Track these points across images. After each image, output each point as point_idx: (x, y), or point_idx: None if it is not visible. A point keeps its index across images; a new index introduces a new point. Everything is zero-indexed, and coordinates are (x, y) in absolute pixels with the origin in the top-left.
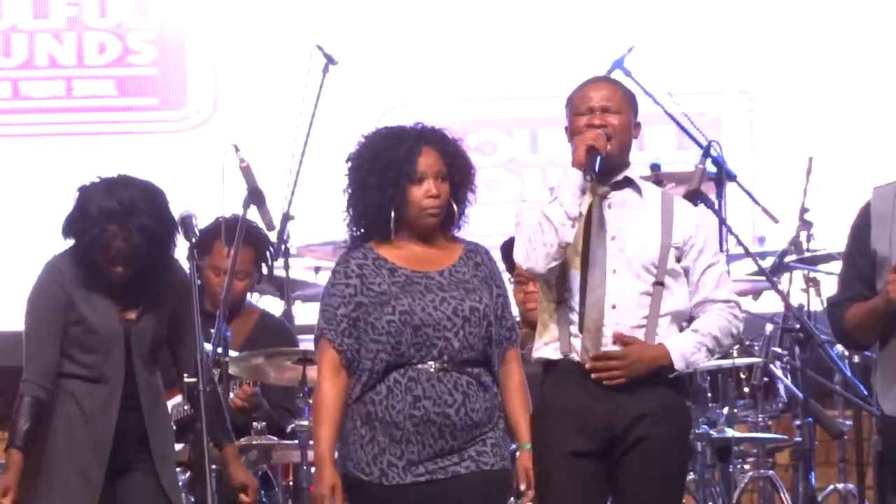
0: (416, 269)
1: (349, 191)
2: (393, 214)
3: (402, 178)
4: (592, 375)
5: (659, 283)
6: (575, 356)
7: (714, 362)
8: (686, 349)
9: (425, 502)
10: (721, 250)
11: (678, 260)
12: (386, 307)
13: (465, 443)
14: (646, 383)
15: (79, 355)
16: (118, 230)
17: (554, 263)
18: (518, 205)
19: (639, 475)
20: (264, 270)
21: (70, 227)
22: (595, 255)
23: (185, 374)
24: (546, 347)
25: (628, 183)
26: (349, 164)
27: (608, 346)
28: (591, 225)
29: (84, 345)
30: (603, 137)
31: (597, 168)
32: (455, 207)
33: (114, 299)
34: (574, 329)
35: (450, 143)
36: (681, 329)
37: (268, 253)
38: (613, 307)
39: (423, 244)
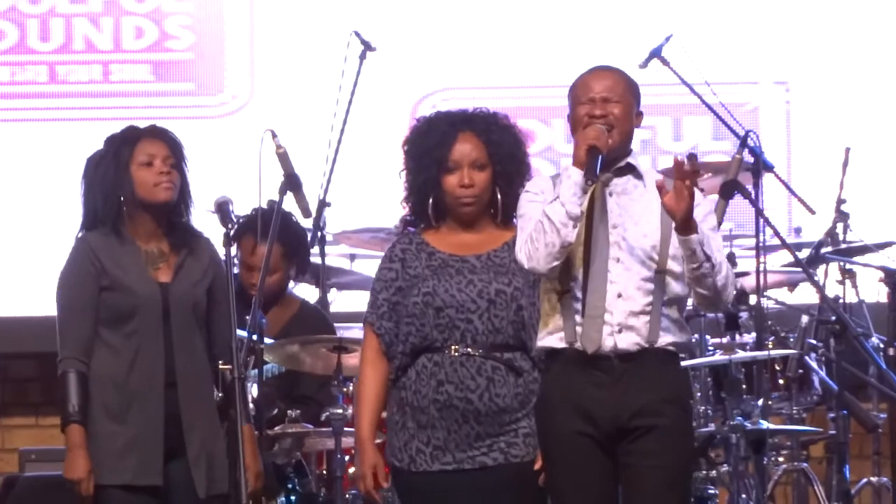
0: (455, 252)
1: (401, 174)
2: (431, 201)
3: (434, 165)
4: (684, 172)
5: (661, 272)
6: (579, 345)
7: (749, 354)
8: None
9: (452, 491)
10: (758, 241)
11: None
12: (413, 290)
13: (494, 429)
14: (652, 371)
15: (116, 326)
16: (145, 132)
17: (556, 263)
18: (521, 195)
19: (647, 463)
20: (298, 265)
21: (94, 173)
22: (597, 244)
23: (221, 361)
24: (550, 337)
25: (630, 170)
26: (402, 148)
27: (612, 334)
28: (594, 213)
29: (119, 311)
30: (604, 134)
31: (598, 169)
32: (499, 196)
33: (144, 263)
34: (579, 318)
35: (494, 129)
36: (682, 313)
37: (301, 247)
38: (619, 296)
39: (469, 231)
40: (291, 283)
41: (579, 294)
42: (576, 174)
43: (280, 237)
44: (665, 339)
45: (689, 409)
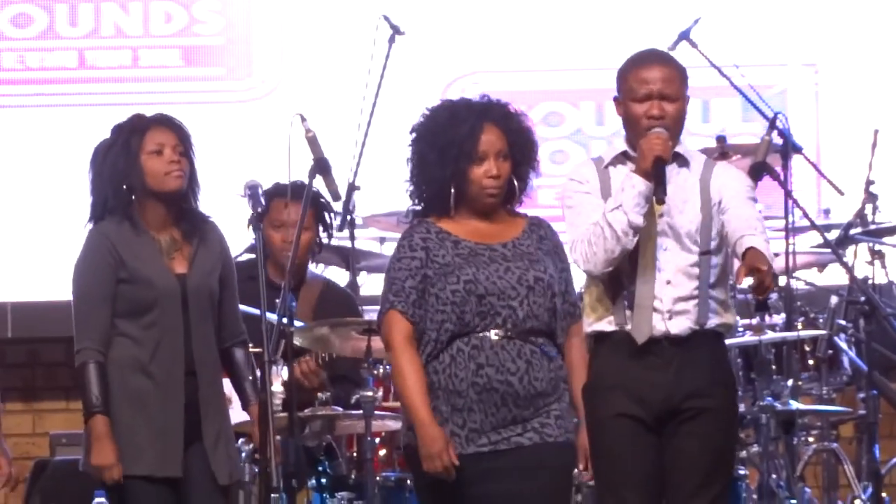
0: (480, 241)
1: (411, 163)
2: (453, 191)
3: (463, 156)
4: (759, 297)
5: (705, 253)
6: (629, 327)
7: (779, 334)
8: (765, 249)
9: (487, 472)
10: (787, 222)
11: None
12: (450, 277)
13: (529, 413)
14: (702, 354)
15: (135, 317)
16: (153, 120)
17: (612, 267)
18: (565, 183)
19: (696, 445)
20: (324, 235)
21: (102, 163)
22: (645, 235)
23: (251, 344)
24: (599, 322)
25: (675, 157)
26: (412, 135)
27: (664, 320)
28: None
29: (139, 303)
30: (668, 142)
31: (667, 182)
32: (516, 184)
33: (161, 254)
34: (627, 303)
35: (513, 119)
36: (727, 293)
37: (326, 213)
38: (668, 283)
39: (484, 220)
40: (321, 268)
41: (626, 281)
42: (640, 184)
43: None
44: (714, 321)
45: (735, 389)
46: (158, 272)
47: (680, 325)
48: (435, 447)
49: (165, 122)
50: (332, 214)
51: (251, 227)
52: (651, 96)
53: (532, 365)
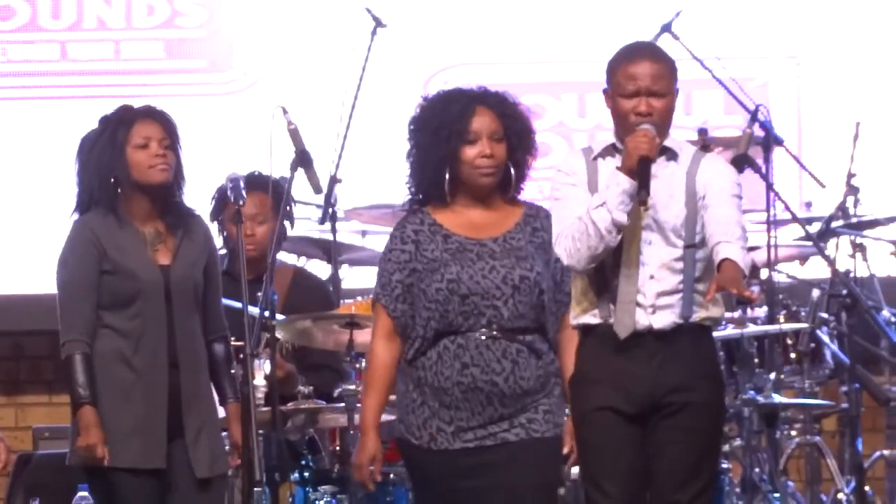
0: (471, 236)
1: (409, 153)
2: (448, 175)
3: (456, 137)
4: (745, 294)
5: (690, 246)
6: (613, 320)
7: (761, 328)
8: (741, 258)
9: (474, 468)
10: (769, 215)
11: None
12: (435, 275)
13: (516, 410)
14: (686, 347)
15: (118, 309)
16: (140, 112)
17: (595, 263)
18: (554, 174)
19: (679, 440)
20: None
21: (89, 154)
22: (630, 229)
23: (233, 338)
24: (584, 315)
25: (663, 150)
26: (410, 127)
27: (646, 314)
28: None
29: (122, 295)
30: (654, 140)
31: (651, 180)
32: (513, 171)
33: (145, 246)
34: (611, 297)
35: (508, 105)
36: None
37: (284, 202)
38: (652, 277)
39: (481, 208)
40: (303, 260)
41: (611, 275)
42: (625, 182)
43: (262, 187)
44: (699, 315)
45: (721, 382)
46: (142, 263)
47: (663, 320)
48: (359, 458)
49: (152, 115)
50: (291, 203)
51: (232, 221)
52: (639, 93)
53: (518, 364)
